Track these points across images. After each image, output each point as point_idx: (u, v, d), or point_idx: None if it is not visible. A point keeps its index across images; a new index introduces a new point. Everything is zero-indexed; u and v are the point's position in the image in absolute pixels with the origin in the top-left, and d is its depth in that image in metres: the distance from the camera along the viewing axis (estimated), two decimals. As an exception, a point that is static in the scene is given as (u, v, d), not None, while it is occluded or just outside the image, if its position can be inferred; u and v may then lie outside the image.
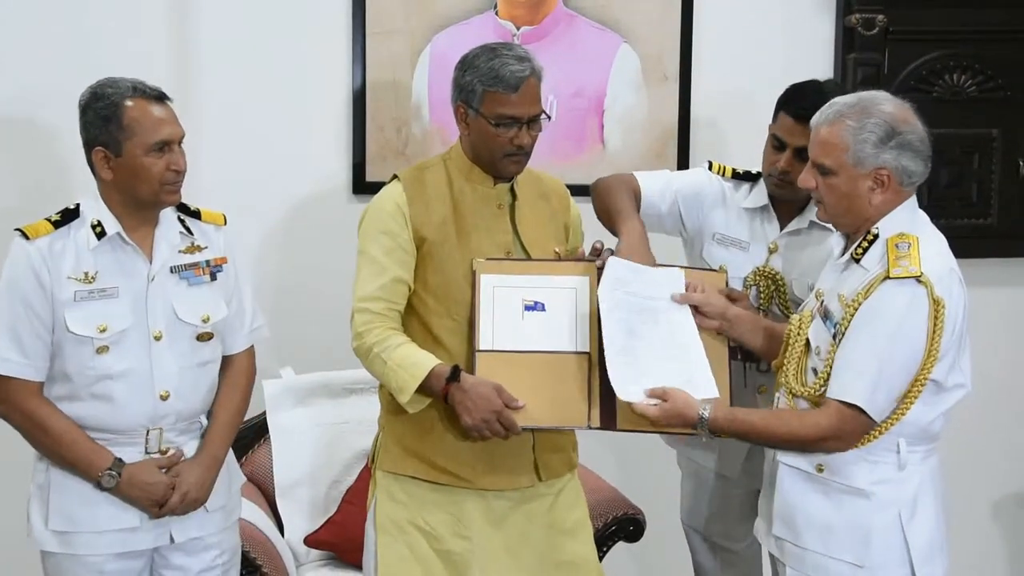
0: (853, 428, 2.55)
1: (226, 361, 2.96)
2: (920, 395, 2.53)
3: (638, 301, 2.80)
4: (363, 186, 3.98)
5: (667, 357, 2.76)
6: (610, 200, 3.08)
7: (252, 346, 3.03)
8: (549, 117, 2.89)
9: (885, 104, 2.60)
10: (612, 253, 2.89)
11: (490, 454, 2.85)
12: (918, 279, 2.50)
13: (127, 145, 2.72)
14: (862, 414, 2.53)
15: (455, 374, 2.74)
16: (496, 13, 4.00)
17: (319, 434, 3.70)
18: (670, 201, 3.22)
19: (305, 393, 3.71)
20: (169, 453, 2.83)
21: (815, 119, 2.66)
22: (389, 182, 2.94)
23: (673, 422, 2.67)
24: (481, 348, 2.79)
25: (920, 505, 2.61)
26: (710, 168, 3.27)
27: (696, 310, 2.84)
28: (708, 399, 2.68)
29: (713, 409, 2.65)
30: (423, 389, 2.75)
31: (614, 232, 3.02)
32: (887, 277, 2.52)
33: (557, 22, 4.03)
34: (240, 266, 2.99)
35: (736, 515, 3.36)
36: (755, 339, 2.86)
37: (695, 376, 2.74)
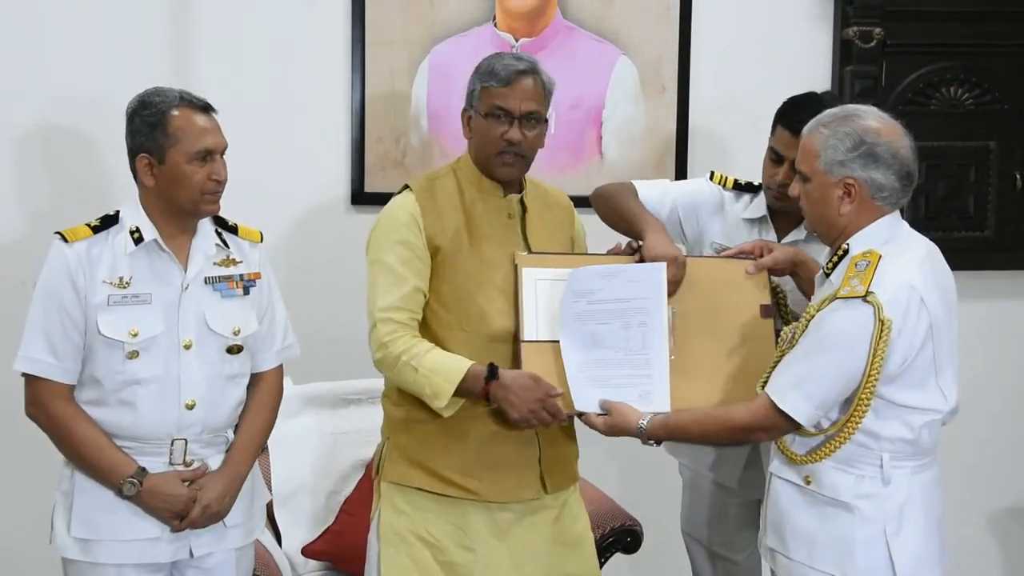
0: (775, 424, 2.61)
1: (255, 378, 2.96)
2: (867, 411, 2.54)
3: (606, 307, 2.82)
4: (362, 196, 3.98)
5: (630, 366, 2.82)
6: (620, 205, 3.13)
7: (281, 365, 3.03)
8: (546, 120, 2.90)
9: (865, 117, 2.61)
10: (635, 251, 2.94)
11: (497, 466, 2.86)
12: (864, 299, 2.51)
13: (170, 153, 2.75)
14: (787, 416, 2.57)
15: (493, 372, 2.75)
16: (495, 25, 4.01)
17: (317, 444, 3.69)
18: (669, 208, 3.23)
19: (303, 403, 3.70)
20: (194, 466, 2.83)
21: (804, 128, 2.69)
22: (399, 192, 2.94)
23: (618, 433, 2.78)
24: (526, 339, 2.81)
25: (907, 520, 2.61)
26: (711, 178, 3.29)
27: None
28: (652, 412, 2.76)
29: (650, 420, 2.74)
30: (459, 391, 2.76)
31: (631, 235, 3.06)
32: (836, 295, 2.55)
33: (556, 34, 4.05)
34: (274, 285, 3.00)
35: (734, 524, 3.36)
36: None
37: (652, 390, 2.82)
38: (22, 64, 3.78)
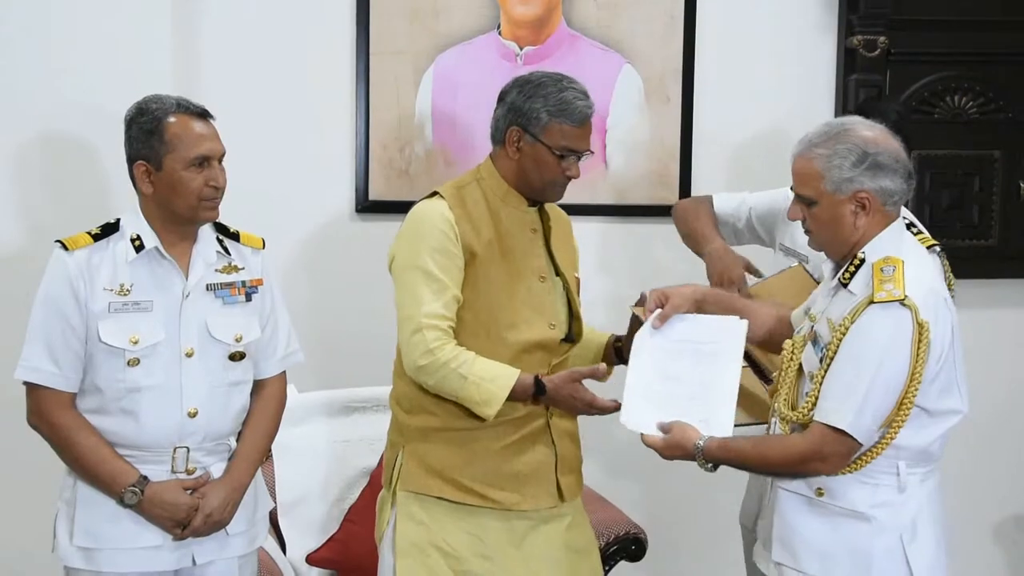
0: (835, 450, 2.55)
1: (257, 385, 2.96)
2: (907, 419, 2.53)
3: (682, 346, 2.82)
4: (367, 205, 3.99)
5: (692, 396, 2.79)
6: (690, 225, 3.48)
7: (284, 372, 3.03)
8: (592, 152, 2.93)
9: (856, 128, 2.62)
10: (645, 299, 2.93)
11: (517, 476, 2.87)
12: (902, 302, 2.50)
13: (167, 159, 2.75)
14: (847, 437, 2.53)
15: (541, 388, 2.80)
16: (499, 33, 4.02)
17: (321, 452, 3.70)
18: (745, 217, 3.52)
19: (307, 411, 3.70)
20: (196, 474, 2.83)
21: (792, 151, 2.69)
22: (426, 198, 2.91)
23: (675, 453, 2.71)
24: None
25: (920, 528, 2.61)
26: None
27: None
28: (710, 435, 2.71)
29: (708, 440, 2.68)
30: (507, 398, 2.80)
31: (696, 253, 3.40)
32: (872, 301, 2.53)
33: (560, 43, 4.05)
34: (277, 291, 3.00)
35: None
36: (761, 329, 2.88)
37: (712, 416, 2.75)
38: (24, 73, 3.78)
